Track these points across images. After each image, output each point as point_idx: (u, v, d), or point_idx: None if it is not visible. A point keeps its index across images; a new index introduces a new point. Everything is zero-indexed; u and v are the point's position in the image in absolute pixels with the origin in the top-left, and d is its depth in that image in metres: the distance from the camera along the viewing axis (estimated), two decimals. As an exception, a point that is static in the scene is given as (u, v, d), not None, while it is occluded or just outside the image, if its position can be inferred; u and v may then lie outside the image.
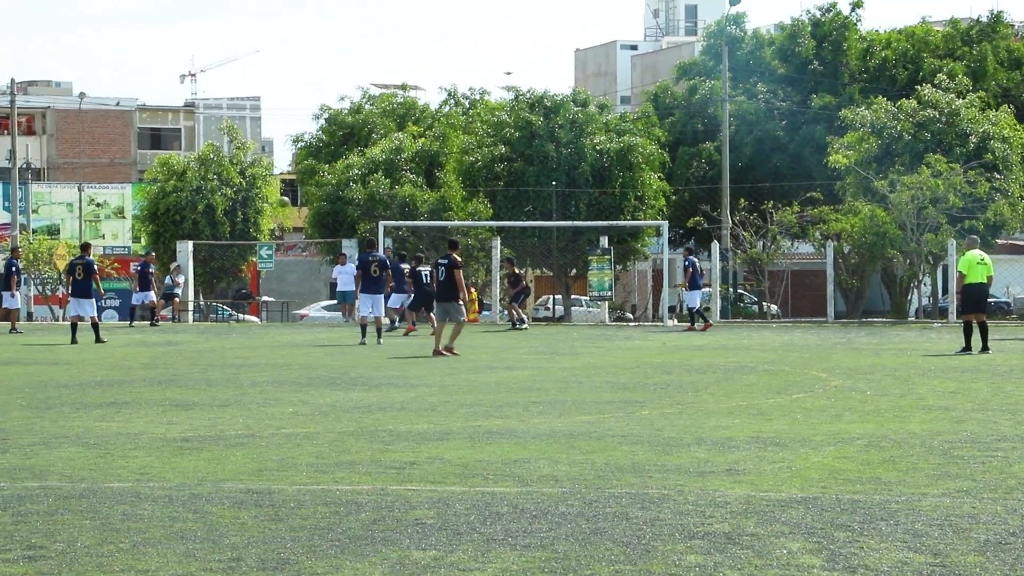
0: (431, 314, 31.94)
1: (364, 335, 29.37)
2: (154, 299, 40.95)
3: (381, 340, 29.24)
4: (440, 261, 26.73)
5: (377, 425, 14.24)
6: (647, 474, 10.86)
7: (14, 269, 37.50)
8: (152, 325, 39.89)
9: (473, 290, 55.52)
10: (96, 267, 32.23)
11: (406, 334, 33.61)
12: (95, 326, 30.80)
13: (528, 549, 8.09)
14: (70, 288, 31.69)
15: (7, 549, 8.10)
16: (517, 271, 40.67)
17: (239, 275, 62.98)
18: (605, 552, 8.01)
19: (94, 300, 31.21)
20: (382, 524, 8.81)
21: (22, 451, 12.28)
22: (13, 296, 36.71)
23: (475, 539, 8.37)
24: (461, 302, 26.08)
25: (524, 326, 37.78)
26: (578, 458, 11.73)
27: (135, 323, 40.40)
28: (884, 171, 46.54)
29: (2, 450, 12.36)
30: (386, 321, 32.48)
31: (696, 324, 37.14)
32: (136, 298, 40.86)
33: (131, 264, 73.96)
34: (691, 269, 37.81)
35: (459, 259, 26.78)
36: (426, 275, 33.66)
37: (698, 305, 37.93)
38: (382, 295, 30.04)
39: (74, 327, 30.90)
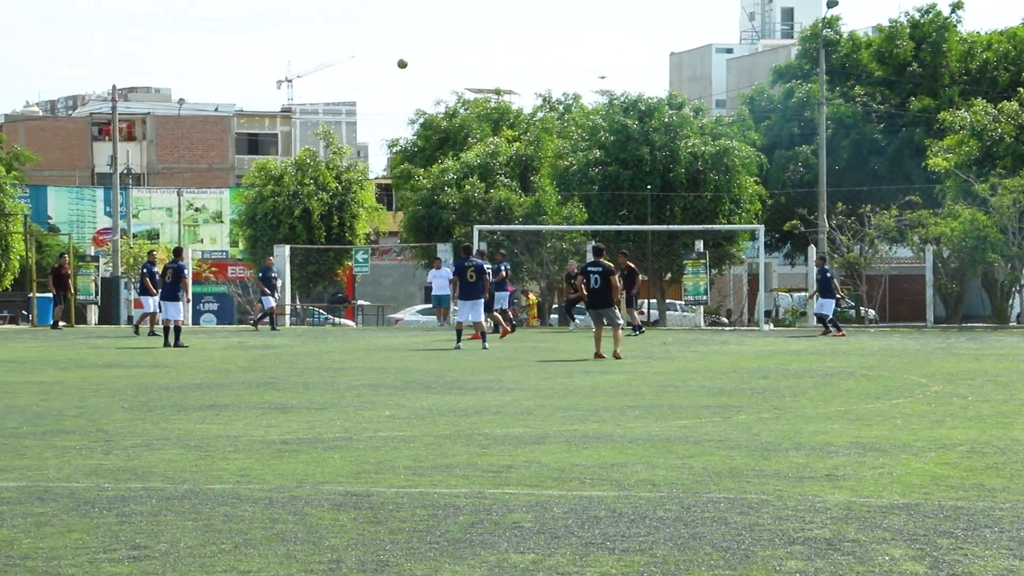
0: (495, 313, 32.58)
1: (459, 340, 29.46)
2: (273, 304, 41.15)
3: (487, 345, 29.27)
4: (591, 268, 26.64)
5: (473, 428, 14.28)
6: (745, 479, 10.79)
7: (144, 272, 38.17)
8: (272, 329, 40.25)
9: (532, 295, 55.53)
10: (185, 272, 32.76)
11: (502, 337, 33.62)
12: (177, 329, 31.26)
13: (627, 553, 8.07)
14: (160, 290, 32.34)
15: (112, 549, 8.21)
16: (632, 265, 39.41)
17: (335, 279, 63.48)
18: (704, 557, 7.96)
19: (180, 304, 31.66)
20: (480, 527, 8.83)
21: (125, 453, 12.44)
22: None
23: (573, 543, 8.36)
24: (616, 307, 26.42)
25: (641, 331, 37.33)
26: (675, 462, 11.68)
27: (276, 327, 40.75)
28: (985, 174, 45.95)
29: (105, 451, 12.53)
30: (489, 323, 32.45)
31: (831, 330, 36.67)
32: (266, 303, 41.06)
33: (228, 268, 74.78)
34: (827, 277, 37.43)
35: (612, 265, 27.04)
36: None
37: (831, 314, 37.55)
38: (480, 300, 29.96)
39: (166, 331, 31.34)
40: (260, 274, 42.76)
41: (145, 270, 38.17)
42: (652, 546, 8.25)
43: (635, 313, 38.32)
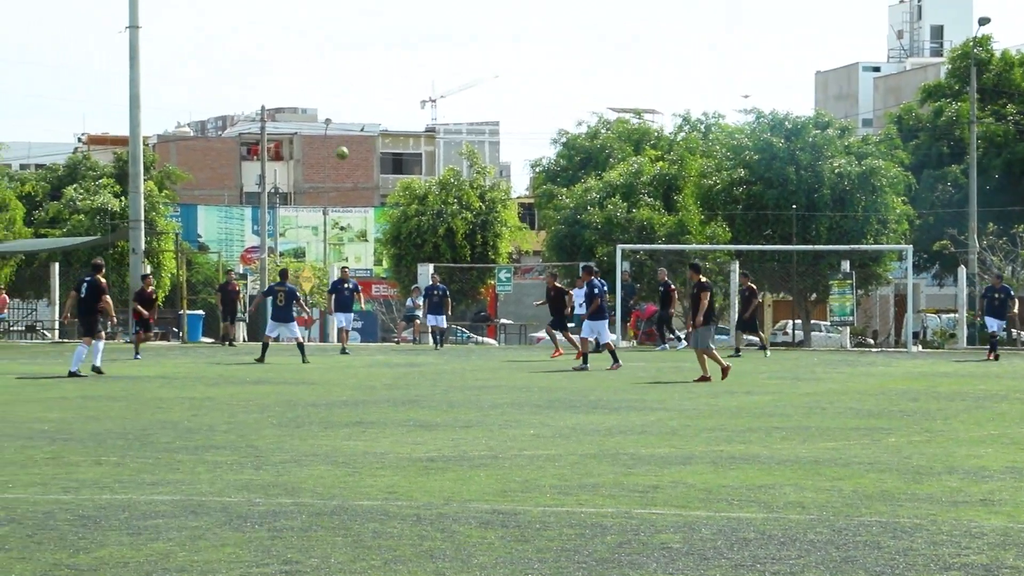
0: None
1: (585, 361, 29.09)
2: (444, 323, 41.20)
3: (618, 363, 29.13)
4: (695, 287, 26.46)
5: (618, 448, 14.22)
6: (897, 503, 10.60)
7: (335, 288, 38.67)
8: (436, 348, 40.31)
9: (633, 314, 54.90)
10: (297, 294, 33.46)
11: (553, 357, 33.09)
12: (300, 347, 31.78)
13: (777, 576, 7.97)
14: (271, 312, 32.81)
15: (265, 563, 8.31)
16: (752, 285, 38.71)
17: (478, 298, 63.75)
18: (857, 582, 7.84)
19: (294, 324, 32.35)
20: (628, 547, 8.78)
21: (275, 468, 12.60)
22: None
23: (723, 564, 8.28)
24: (711, 325, 25.95)
25: (767, 353, 36.89)
26: (824, 485, 11.53)
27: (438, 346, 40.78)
28: None
29: (256, 467, 12.70)
30: (612, 337, 32.23)
31: (993, 353, 35.66)
32: (430, 320, 41.17)
33: (373, 286, 75.55)
34: (1001, 296, 36.49)
35: (706, 281, 26.54)
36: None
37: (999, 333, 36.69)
38: (603, 321, 29.83)
39: (265, 346, 31.94)
40: (426, 291, 42.60)
41: (336, 287, 38.57)
42: (803, 569, 8.14)
43: (760, 333, 37.69)
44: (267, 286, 32.93)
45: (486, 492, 11.14)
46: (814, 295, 53.57)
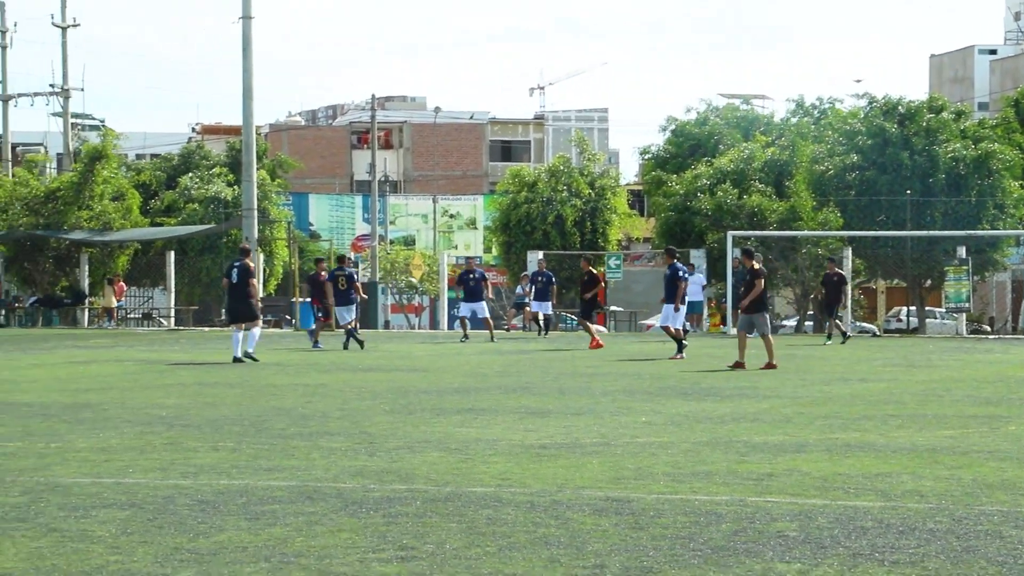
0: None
1: (681, 349, 28.35)
2: (549, 310, 40.91)
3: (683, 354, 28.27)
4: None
5: (731, 436, 14.14)
6: (1019, 492, 10.43)
7: (463, 279, 38.28)
8: (541, 335, 39.96)
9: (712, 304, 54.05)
10: (356, 277, 33.56)
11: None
12: (352, 331, 32.17)
13: (896, 565, 7.87)
14: (334, 298, 32.76)
15: (381, 549, 8.37)
16: (840, 271, 37.63)
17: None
18: (979, 571, 7.72)
19: (354, 307, 32.56)
20: (743, 535, 8.73)
21: (388, 455, 12.68)
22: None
23: (840, 553, 8.19)
24: (767, 312, 25.55)
25: (831, 342, 35.71)
26: (943, 473, 11.37)
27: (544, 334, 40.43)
28: None
29: (370, 453, 12.79)
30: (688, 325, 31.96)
31: None
32: (535, 307, 40.89)
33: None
34: None
35: (760, 267, 25.92)
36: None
37: None
38: (683, 308, 28.76)
39: (348, 335, 32.26)
40: (533, 277, 42.39)
41: (462, 278, 38.35)
42: (923, 559, 8.04)
43: (836, 322, 36.91)
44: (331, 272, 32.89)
45: (599, 479, 11.12)
46: (928, 281, 52.83)
